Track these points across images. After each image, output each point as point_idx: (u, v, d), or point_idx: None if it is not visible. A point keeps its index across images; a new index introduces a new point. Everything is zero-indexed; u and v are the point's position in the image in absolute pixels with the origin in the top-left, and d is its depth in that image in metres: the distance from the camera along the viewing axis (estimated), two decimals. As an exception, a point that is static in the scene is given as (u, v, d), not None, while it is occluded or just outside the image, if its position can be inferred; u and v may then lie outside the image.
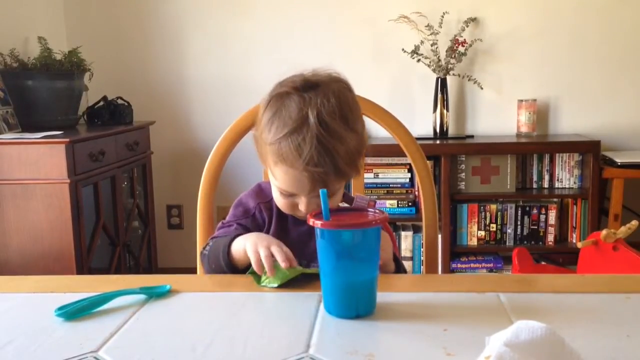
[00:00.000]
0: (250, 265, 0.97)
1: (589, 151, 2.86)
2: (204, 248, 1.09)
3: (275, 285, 0.93)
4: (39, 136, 2.27)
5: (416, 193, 2.92)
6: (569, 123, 3.12)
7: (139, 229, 2.99)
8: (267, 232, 1.11)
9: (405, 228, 2.98)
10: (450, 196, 2.88)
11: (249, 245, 0.96)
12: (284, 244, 0.95)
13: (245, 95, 3.05)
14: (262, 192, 1.15)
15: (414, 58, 2.98)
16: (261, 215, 1.12)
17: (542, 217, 2.93)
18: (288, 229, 1.11)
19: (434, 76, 3.01)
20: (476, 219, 2.95)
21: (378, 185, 2.96)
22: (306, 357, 0.71)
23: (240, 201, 1.16)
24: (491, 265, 2.95)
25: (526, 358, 0.59)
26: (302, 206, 1.02)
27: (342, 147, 0.96)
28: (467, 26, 2.99)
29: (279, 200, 1.06)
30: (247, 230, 1.10)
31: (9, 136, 2.31)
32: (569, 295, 0.89)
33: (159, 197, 3.16)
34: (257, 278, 0.96)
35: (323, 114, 0.95)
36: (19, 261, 2.24)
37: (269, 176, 1.06)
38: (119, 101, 2.90)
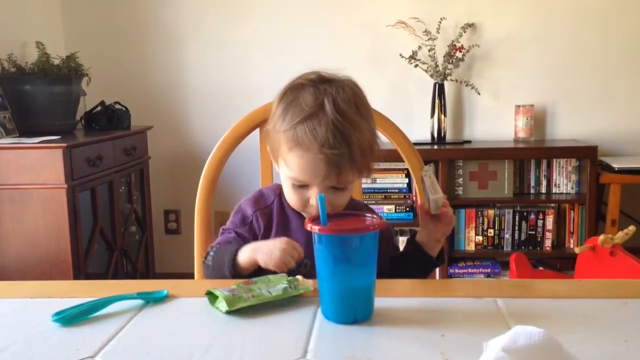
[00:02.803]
0: (253, 274, 0.99)
1: (586, 156, 2.86)
2: (205, 258, 1.09)
3: (224, 310, 0.85)
4: (36, 141, 2.26)
5: (414, 198, 2.92)
6: (566, 128, 3.12)
7: (137, 234, 2.98)
8: (264, 239, 1.10)
9: (402, 233, 2.98)
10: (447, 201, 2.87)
11: (262, 256, 0.98)
12: None
13: (243, 100, 3.06)
14: (262, 198, 1.15)
15: (411, 63, 2.99)
16: (258, 224, 1.12)
17: (540, 223, 2.93)
18: (291, 234, 1.11)
19: (432, 81, 3.02)
20: (474, 224, 2.95)
21: (376, 191, 2.96)
22: (304, 362, 0.71)
23: (239, 207, 1.16)
24: (489, 270, 2.95)
25: (524, 363, 0.59)
26: (313, 200, 1.03)
27: (356, 134, 0.99)
28: (465, 32, 2.99)
29: (290, 195, 1.06)
30: (244, 239, 1.10)
31: (6, 141, 2.30)
32: (567, 300, 0.89)
33: (156, 202, 3.16)
34: (213, 299, 0.89)
35: (338, 102, 1.00)
36: (16, 266, 2.24)
37: (280, 171, 1.07)
38: (117, 106, 2.90)
